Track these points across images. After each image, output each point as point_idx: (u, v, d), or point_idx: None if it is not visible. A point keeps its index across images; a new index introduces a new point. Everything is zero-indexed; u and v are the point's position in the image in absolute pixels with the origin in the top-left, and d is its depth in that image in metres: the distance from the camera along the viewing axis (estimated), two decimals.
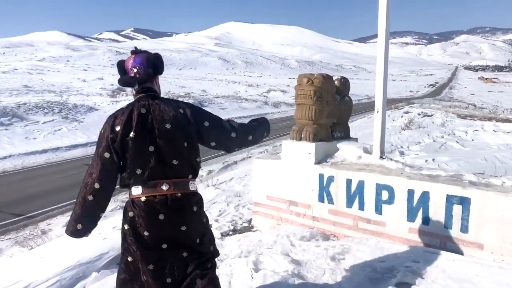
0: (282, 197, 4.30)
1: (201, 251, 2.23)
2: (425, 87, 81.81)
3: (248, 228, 4.51)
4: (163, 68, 2.29)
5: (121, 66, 2.26)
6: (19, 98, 23.40)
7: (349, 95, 4.60)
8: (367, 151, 4.10)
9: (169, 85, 44.98)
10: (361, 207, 3.74)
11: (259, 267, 3.12)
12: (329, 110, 4.20)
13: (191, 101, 30.05)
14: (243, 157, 14.69)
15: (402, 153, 8.34)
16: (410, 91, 69.89)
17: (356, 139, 4.60)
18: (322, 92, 4.07)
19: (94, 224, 2.28)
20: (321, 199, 4.02)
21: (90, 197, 2.15)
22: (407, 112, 19.23)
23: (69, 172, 12.30)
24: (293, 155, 4.21)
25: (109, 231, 4.74)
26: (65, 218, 8.33)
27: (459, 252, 3.21)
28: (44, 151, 15.43)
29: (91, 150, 16.22)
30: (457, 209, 3.22)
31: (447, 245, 3.28)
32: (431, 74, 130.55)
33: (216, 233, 3.99)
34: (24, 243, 7.04)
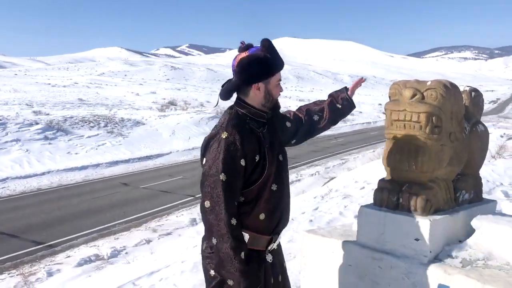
0: None
1: None
2: (486, 103, 77.30)
3: None
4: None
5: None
6: (69, 112, 23.25)
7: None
8: None
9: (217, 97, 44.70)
10: None
11: None
12: (454, 150, 2.21)
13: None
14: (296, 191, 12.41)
15: (506, 194, 6.21)
16: None
17: (493, 203, 2.54)
18: (443, 117, 2.11)
19: None
20: None
21: None
22: None
23: (104, 192, 11.38)
24: (381, 238, 2.24)
25: None
26: (88, 249, 7.41)
27: None
28: (84, 168, 14.69)
29: (132, 167, 15.30)
30: None
31: None
32: (492, 90, 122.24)
33: None
34: None
